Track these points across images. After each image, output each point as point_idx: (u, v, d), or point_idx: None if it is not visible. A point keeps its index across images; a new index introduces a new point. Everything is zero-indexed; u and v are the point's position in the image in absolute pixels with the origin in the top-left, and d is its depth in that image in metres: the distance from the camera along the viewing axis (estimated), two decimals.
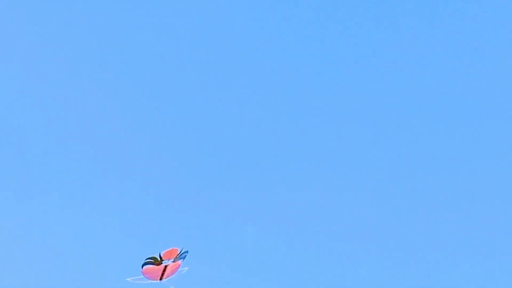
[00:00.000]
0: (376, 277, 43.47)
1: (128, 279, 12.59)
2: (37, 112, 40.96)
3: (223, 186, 34.81)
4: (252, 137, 39.89)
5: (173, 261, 12.72)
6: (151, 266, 12.82)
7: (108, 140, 37.65)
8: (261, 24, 47.99)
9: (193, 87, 43.59)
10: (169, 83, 42.97)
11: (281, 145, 42.56)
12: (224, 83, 45.36)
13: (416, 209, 47.70)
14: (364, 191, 47.35)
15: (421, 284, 41.50)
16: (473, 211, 47.36)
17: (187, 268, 12.80)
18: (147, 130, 39.56)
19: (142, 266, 12.87)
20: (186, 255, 12.89)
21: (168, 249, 13.07)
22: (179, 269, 12.65)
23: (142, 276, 12.66)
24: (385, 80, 48.90)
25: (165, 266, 12.68)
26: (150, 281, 12.57)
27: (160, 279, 12.57)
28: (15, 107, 41.16)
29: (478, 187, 47.79)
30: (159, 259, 12.86)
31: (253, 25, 48.42)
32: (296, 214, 34.93)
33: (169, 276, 12.64)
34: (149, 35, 47.40)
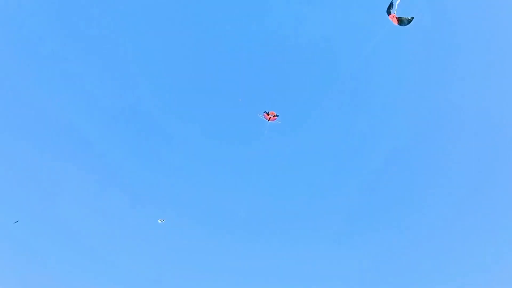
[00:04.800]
0: None
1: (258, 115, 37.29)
2: None
3: None
4: None
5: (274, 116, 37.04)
6: (265, 114, 37.01)
7: None
8: None
9: None
10: None
11: None
12: None
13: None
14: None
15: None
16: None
17: (279, 121, 37.49)
18: None
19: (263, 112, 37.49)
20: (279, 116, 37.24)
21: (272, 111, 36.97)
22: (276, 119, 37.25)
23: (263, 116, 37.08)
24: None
25: (270, 117, 36.85)
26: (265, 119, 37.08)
27: (268, 119, 37.00)
28: None
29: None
30: (267, 112, 36.89)
31: None
32: None
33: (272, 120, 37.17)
34: None
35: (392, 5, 22.15)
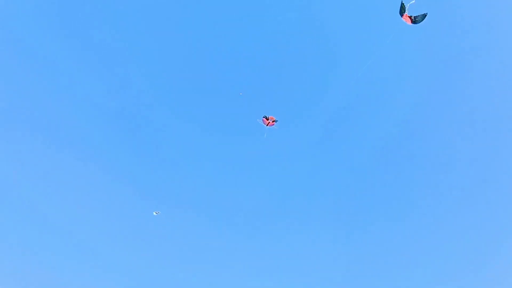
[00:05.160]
0: None
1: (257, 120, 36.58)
2: None
3: None
4: None
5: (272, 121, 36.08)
6: (264, 119, 35.90)
7: None
8: None
9: None
10: None
11: None
12: None
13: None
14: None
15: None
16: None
17: (277, 127, 36.82)
18: None
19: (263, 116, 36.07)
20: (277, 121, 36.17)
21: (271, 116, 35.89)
22: (275, 123, 36.25)
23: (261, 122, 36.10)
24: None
25: (269, 121, 35.95)
26: (264, 124, 36.07)
27: (267, 124, 36.22)
28: None
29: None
30: (267, 117, 35.97)
31: None
32: None
33: (270, 125, 36.26)
34: None
35: (404, 6, 22.37)
